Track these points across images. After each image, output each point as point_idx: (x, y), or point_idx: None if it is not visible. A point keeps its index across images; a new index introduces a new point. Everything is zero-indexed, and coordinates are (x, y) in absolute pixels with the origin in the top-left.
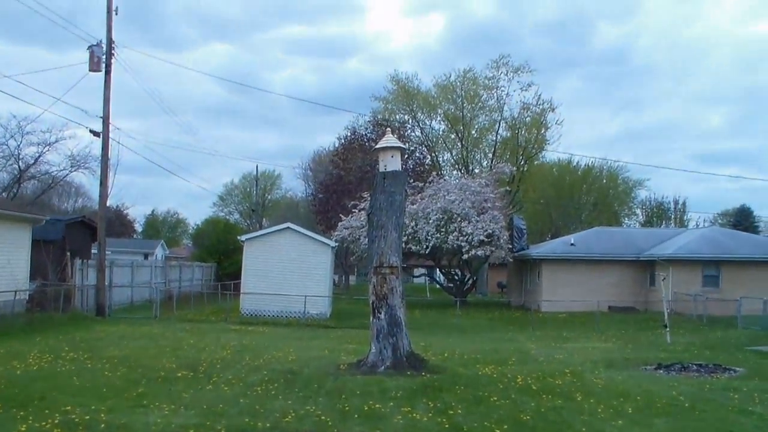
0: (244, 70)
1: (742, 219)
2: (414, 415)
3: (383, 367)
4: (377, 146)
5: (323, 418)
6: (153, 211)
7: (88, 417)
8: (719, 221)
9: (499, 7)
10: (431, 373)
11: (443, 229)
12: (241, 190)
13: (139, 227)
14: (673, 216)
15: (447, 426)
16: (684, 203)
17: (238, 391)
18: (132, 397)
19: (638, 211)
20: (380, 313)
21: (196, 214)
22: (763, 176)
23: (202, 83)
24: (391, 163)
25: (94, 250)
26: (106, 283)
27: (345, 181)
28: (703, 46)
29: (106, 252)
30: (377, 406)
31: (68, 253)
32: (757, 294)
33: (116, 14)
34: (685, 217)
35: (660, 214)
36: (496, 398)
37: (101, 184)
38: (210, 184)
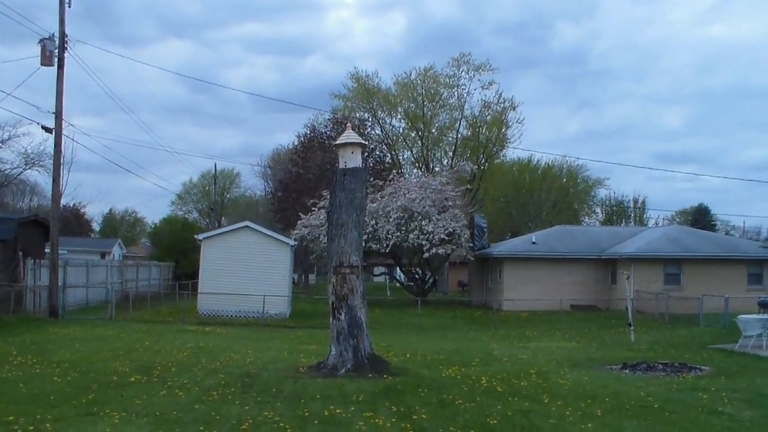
0: (203, 67)
1: (700, 217)
2: (377, 420)
3: (344, 370)
4: (337, 142)
5: (282, 424)
6: (111, 210)
7: (32, 428)
8: (677, 220)
9: (460, 8)
10: (394, 375)
11: (404, 228)
12: (199, 188)
13: (96, 226)
14: (632, 215)
15: (411, 431)
16: (643, 202)
17: (194, 396)
18: (81, 405)
19: (598, 210)
20: (340, 314)
21: (154, 212)
22: (719, 175)
23: (160, 81)
24: (352, 160)
25: (47, 250)
26: (60, 284)
27: (304, 179)
28: (660, 48)
29: (61, 251)
30: (338, 411)
31: (20, 253)
32: (718, 292)
33: (69, 6)
34: (644, 216)
35: (620, 213)
36: (461, 401)
37: (54, 181)
38: (168, 182)
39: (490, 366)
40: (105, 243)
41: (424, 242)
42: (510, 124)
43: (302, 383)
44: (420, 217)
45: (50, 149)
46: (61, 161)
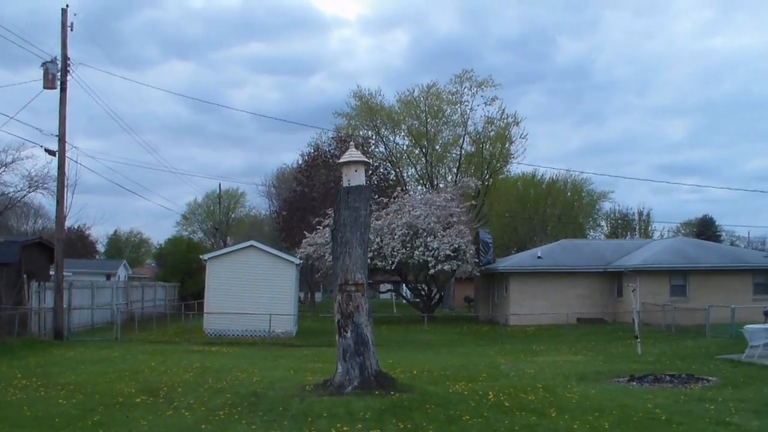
0: (207, 88)
1: (705, 228)
2: None
3: (350, 387)
4: (340, 160)
5: None
6: (116, 232)
7: None
8: (682, 231)
9: (463, 24)
10: (400, 392)
11: (409, 245)
12: (204, 208)
13: (101, 248)
14: (637, 227)
15: None
16: (648, 214)
17: (200, 416)
18: (87, 427)
19: (603, 223)
20: (346, 332)
21: (159, 233)
22: (723, 186)
23: (164, 102)
24: (355, 178)
25: (52, 272)
26: (65, 306)
27: (309, 197)
28: (662, 60)
29: (66, 273)
30: (345, 429)
31: (24, 276)
32: (724, 302)
33: (71, 29)
34: (649, 228)
35: (625, 226)
36: (468, 417)
37: (58, 204)
38: (173, 203)
39: (497, 381)
40: (110, 264)
41: (429, 258)
42: (513, 139)
43: (309, 401)
44: (425, 234)
45: (54, 172)
46: (65, 183)
